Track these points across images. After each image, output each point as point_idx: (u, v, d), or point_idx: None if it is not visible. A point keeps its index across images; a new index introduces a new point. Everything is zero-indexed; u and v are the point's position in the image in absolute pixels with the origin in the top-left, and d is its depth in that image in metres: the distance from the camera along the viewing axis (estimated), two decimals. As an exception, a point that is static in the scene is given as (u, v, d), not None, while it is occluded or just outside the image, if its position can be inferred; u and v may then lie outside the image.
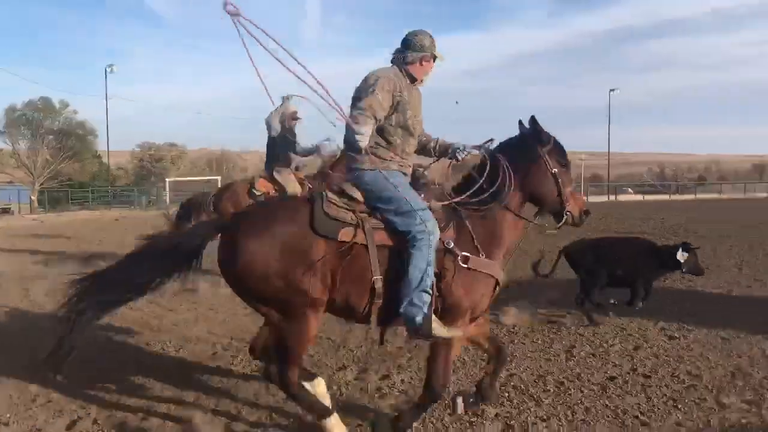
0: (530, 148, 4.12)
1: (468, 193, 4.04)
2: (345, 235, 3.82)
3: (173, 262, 3.91)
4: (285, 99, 8.81)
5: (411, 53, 4.06)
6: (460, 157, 4.25)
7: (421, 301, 3.77)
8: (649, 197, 46.42)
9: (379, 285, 3.79)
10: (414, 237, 3.80)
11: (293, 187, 8.71)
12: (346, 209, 3.93)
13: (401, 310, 3.77)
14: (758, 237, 16.34)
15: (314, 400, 4.09)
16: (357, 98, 3.89)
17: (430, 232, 3.81)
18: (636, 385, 5.25)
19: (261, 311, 3.90)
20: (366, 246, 3.82)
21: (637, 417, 4.59)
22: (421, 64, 4.09)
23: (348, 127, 3.83)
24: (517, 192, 4.11)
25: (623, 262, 7.25)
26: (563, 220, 4.19)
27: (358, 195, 4.02)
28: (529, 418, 4.55)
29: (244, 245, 3.74)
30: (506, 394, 5.02)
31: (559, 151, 4.17)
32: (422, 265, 3.76)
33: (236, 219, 3.99)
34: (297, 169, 9.01)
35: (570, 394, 5.03)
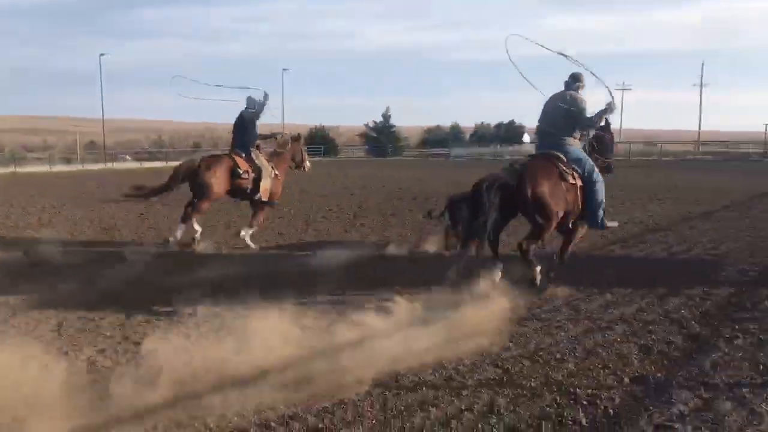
0: (607, 131, 7.88)
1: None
2: (573, 179, 7.08)
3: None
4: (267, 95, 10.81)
5: (580, 84, 7.34)
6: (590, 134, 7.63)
7: (602, 210, 7.28)
8: (147, 164, 46.86)
9: (579, 205, 7.17)
10: (596, 178, 7.19)
11: (266, 165, 10.64)
12: (566, 166, 7.09)
13: (595, 217, 7.25)
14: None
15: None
16: (584, 109, 7.25)
17: (599, 173, 7.26)
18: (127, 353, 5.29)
19: (536, 218, 6.89)
20: (577, 185, 7.10)
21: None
22: (581, 90, 7.34)
23: (597, 119, 7.36)
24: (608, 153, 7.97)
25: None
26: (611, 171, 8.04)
27: (563, 158, 7.12)
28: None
29: (539, 187, 6.82)
30: None
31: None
32: (602, 191, 7.25)
33: (531, 170, 6.97)
34: (258, 148, 10.76)
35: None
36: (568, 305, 6.68)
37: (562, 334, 5.75)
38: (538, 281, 7.14)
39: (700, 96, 72.30)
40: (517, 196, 6.86)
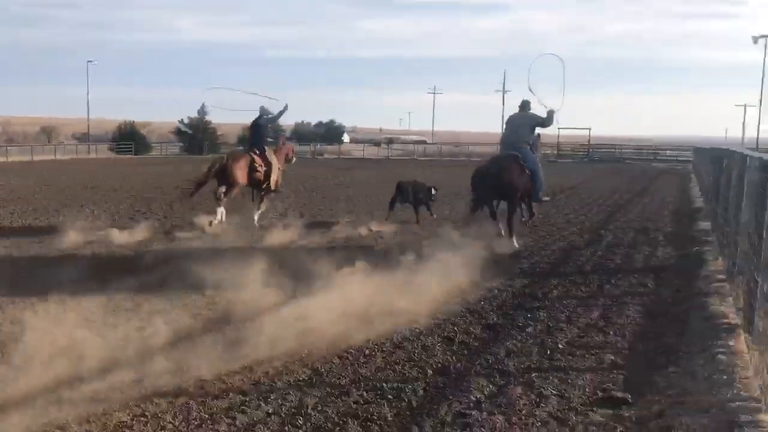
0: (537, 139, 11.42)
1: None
2: (526, 169, 10.40)
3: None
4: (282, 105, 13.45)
5: (530, 107, 10.67)
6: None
7: (542, 188, 10.84)
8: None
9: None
10: (537, 169, 10.53)
11: (275, 161, 13.05)
12: (522, 159, 10.39)
13: (537, 193, 10.66)
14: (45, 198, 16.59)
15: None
16: (539, 118, 10.64)
17: (539, 165, 10.75)
18: None
19: (514, 197, 10.39)
20: (529, 171, 10.40)
21: None
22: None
23: (550, 120, 10.55)
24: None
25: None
26: None
27: (520, 156, 10.37)
28: None
29: (511, 173, 10.26)
30: None
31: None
32: (541, 177, 10.59)
33: (509, 162, 10.41)
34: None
35: None
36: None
37: (371, 329, 5.88)
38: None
39: (503, 101, 77.10)
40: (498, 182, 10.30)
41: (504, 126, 11.19)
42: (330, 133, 79.30)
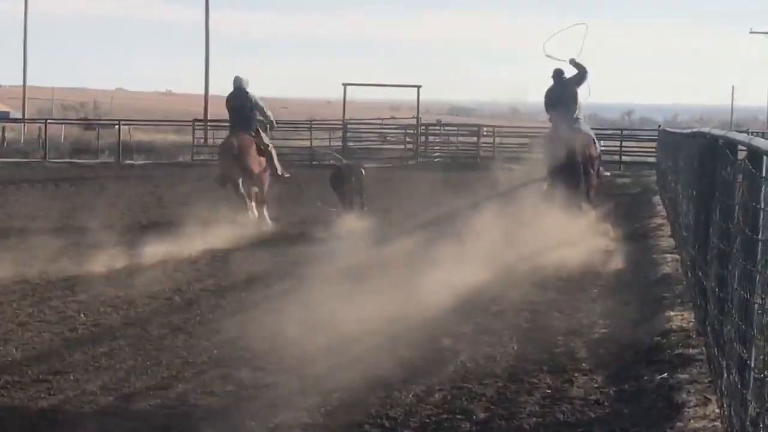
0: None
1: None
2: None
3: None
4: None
5: (565, 74, 10.21)
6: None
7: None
8: None
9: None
10: (597, 142, 11.12)
11: (268, 140, 11.43)
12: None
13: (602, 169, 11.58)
14: None
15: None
16: (573, 78, 10.22)
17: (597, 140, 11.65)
18: None
19: (592, 169, 10.23)
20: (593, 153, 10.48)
21: None
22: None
23: (581, 70, 10.15)
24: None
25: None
26: None
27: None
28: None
29: (590, 144, 10.36)
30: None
31: None
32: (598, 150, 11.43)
33: (582, 132, 10.37)
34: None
35: None
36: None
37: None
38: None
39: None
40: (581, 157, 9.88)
41: (545, 103, 10.42)
42: None
